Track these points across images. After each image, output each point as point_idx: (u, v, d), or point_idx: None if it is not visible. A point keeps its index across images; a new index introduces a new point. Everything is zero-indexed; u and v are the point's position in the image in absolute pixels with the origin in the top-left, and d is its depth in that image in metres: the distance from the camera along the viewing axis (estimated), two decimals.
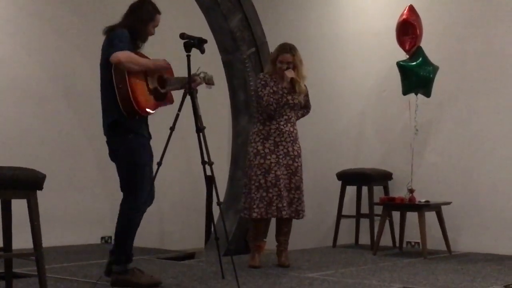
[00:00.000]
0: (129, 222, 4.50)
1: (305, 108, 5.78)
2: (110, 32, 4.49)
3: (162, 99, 4.60)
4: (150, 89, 4.50)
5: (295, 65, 5.50)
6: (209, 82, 4.85)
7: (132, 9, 4.59)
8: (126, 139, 4.46)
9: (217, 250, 4.76)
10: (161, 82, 4.61)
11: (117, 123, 4.46)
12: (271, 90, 5.46)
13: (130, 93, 4.34)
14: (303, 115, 5.81)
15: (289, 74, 5.47)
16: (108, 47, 4.42)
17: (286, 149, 5.49)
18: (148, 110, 4.46)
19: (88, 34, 7.24)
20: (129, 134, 4.46)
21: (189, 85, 4.62)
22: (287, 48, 5.51)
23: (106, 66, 4.44)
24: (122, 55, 4.33)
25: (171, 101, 4.70)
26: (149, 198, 4.57)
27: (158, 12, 4.63)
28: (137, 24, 4.54)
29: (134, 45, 4.54)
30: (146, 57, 4.56)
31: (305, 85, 5.63)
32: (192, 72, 4.73)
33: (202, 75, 4.81)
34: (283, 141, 5.49)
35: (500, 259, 6.15)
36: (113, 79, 4.38)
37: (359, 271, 5.41)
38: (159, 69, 4.57)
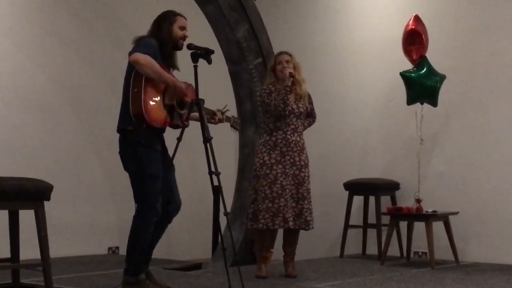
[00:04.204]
0: (137, 234, 4.49)
1: (310, 117, 5.78)
2: (138, 40, 4.50)
3: (175, 118, 4.56)
4: (165, 104, 4.49)
5: (294, 66, 5.52)
6: (235, 126, 5.12)
7: (155, 20, 4.65)
8: (135, 151, 4.45)
9: (224, 261, 4.74)
10: (181, 104, 4.57)
11: (128, 133, 4.46)
12: (276, 97, 5.46)
13: (142, 97, 4.33)
14: (309, 125, 5.80)
15: (287, 70, 5.45)
16: (132, 50, 4.41)
17: (293, 158, 5.48)
18: (156, 121, 4.42)
19: (95, 45, 7.28)
20: (139, 147, 4.44)
21: (196, 95, 4.61)
22: (283, 51, 5.59)
23: (129, 71, 4.45)
24: (141, 57, 4.31)
25: (183, 125, 4.61)
26: (165, 211, 4.55)
27: (179, 14, 4.66)
28: (161, 28, 4.57)
29: (163, 55, 4.54)
30: (171, 74, 4.52)
31: (309, 94, 5.65)
32: (218, 107, 4.89)
33: (228, 114, 4.97)
34: (289, 151, 5.48)
35: (508, 269, 6.12)
36: (131, 84, 4.38)
37: (366, 281, 5.39)
38: (176, 89, 4.47)
